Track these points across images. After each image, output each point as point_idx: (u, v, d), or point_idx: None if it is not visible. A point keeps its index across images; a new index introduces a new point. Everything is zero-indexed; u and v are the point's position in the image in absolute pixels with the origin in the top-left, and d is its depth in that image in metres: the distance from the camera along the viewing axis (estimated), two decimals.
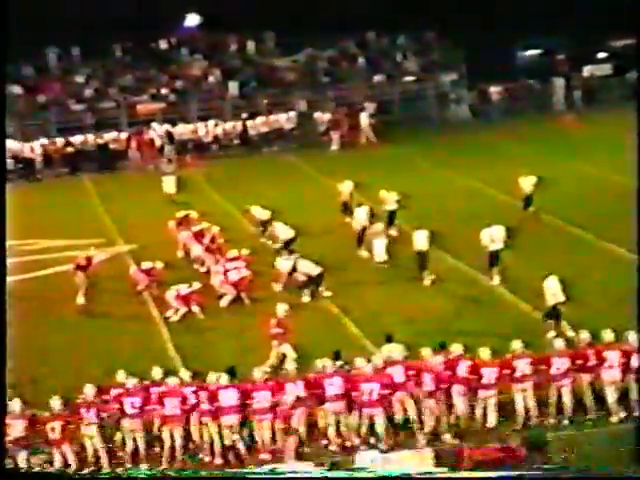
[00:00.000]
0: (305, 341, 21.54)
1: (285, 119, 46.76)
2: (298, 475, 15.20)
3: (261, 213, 30.07)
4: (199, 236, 28.31)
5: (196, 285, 24.97)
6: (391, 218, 29.25)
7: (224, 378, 18.12)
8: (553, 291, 21.54)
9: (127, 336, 23.69)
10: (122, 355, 22.10)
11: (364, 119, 46.02)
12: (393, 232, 28.74)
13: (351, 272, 26.78)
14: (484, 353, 18.21)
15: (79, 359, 22.42)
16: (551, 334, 20.34)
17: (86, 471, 17.40)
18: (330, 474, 15.93)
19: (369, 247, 27.78)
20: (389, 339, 20.05)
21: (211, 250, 27.41)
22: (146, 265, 26.23)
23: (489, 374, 18.01)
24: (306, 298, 24.93)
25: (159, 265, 26.28)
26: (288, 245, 27.40)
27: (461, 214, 31.08)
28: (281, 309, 21.70)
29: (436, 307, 23.89)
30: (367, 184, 32.29)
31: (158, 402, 18.01)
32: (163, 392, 18.08)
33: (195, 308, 24.59)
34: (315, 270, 25.09)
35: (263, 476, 15.73)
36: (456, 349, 18.42)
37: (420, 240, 25.77)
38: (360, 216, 28.48)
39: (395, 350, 19.10)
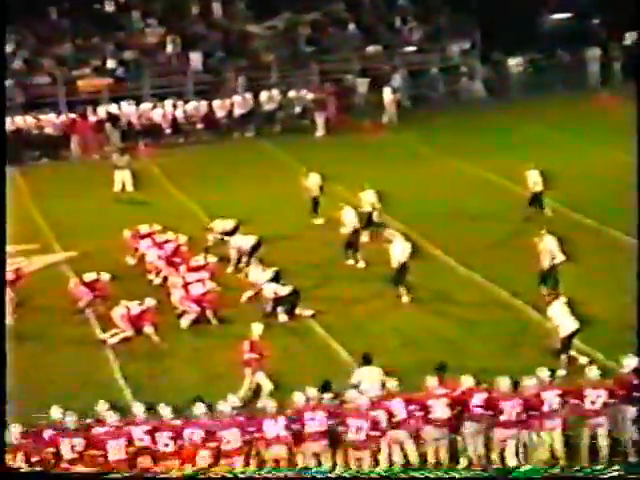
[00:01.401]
0: (283, 369, 21.56)
1: (265, 98, 46.47)
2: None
3: (224, 224, 29.58)
4: (160, 244, 28.30)
5: (149, 302, 24.94)
6: (369, 220, 29.49)
7: (199, 407, 18.11)
8: (560, 320, 21.35)
9: (66, 363, 23.68)
10: (59, 387, 22.07)
11: (387, 94, 46.03)
12: (364, 238, 28.99)
13: (339, 284, 26.88)
14: (503, 383, 18.26)
15: (5, 392, 22.32)
16: (562, 372, 20.34)
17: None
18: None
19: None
20: (367, 359, 20.11)
21: (170, 260, 27.36)
22: (89, 277, 26.24)
23: (509, 409, 18.05)
24: (282, 317, 25.00)
25: (105, 277, 26.27)
26: (253, 253, 27.45)
27: (470, 212, 31.29)
28: (256, 330, 21.77)
29: (441, 327, 23.97)
30: (357, 177, 32.27)
31: (101, 444, 17.98)
32: (105, 432, 18.05)
33: (148, 329, 24.56)
34: (283, 290, 25.17)
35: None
36: (466, 381, 18.45)
37: (398, 250, 25.73)
38: (349, 218, 28.54)
39: (371, 374, 19.26)
